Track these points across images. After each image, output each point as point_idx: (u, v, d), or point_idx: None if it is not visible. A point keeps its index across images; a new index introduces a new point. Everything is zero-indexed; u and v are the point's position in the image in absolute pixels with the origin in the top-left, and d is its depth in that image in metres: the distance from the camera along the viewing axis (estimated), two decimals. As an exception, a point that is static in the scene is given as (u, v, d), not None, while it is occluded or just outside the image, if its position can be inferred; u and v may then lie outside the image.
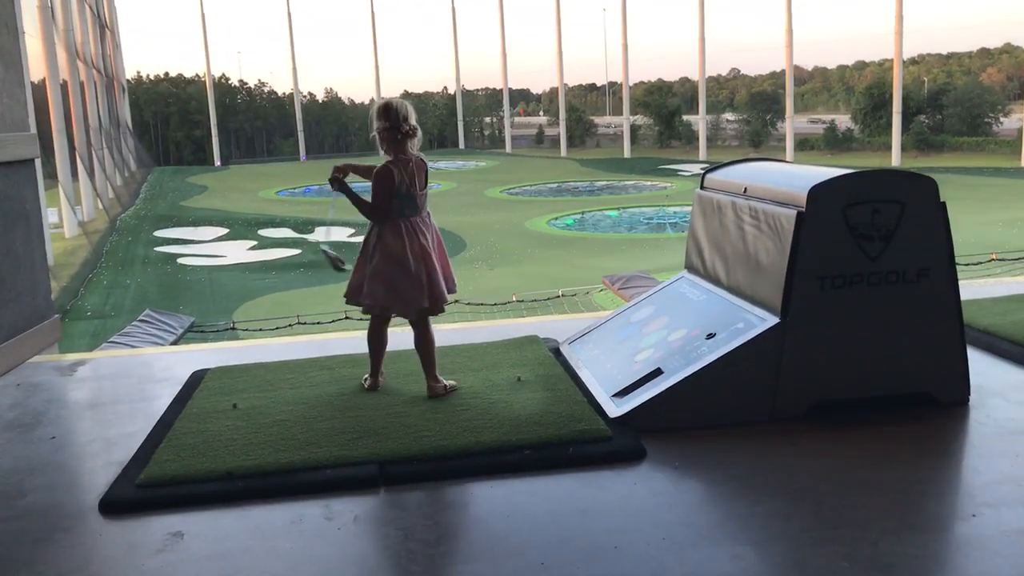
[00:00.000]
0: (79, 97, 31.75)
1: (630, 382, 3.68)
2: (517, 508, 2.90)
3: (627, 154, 57.37)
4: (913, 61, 69.37)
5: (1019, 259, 14.42)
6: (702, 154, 53.82)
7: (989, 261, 14.62)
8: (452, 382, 3.93)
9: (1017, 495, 2.79)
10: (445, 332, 5.32)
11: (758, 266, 3.71)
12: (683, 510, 2.82)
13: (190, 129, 73.51)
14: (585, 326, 4.64)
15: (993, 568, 2.39)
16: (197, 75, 74.00)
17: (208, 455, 3.28)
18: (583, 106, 79.72)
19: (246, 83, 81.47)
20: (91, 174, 31.11)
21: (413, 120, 3.86)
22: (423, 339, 3.90)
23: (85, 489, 3.20)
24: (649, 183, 42.02)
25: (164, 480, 3.11)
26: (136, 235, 29.09)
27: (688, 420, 3.46)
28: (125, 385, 4.55)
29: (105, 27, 48.56)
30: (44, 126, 24.98)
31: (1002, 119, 53.90)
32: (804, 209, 3.43)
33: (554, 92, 69.18)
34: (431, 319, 3.94)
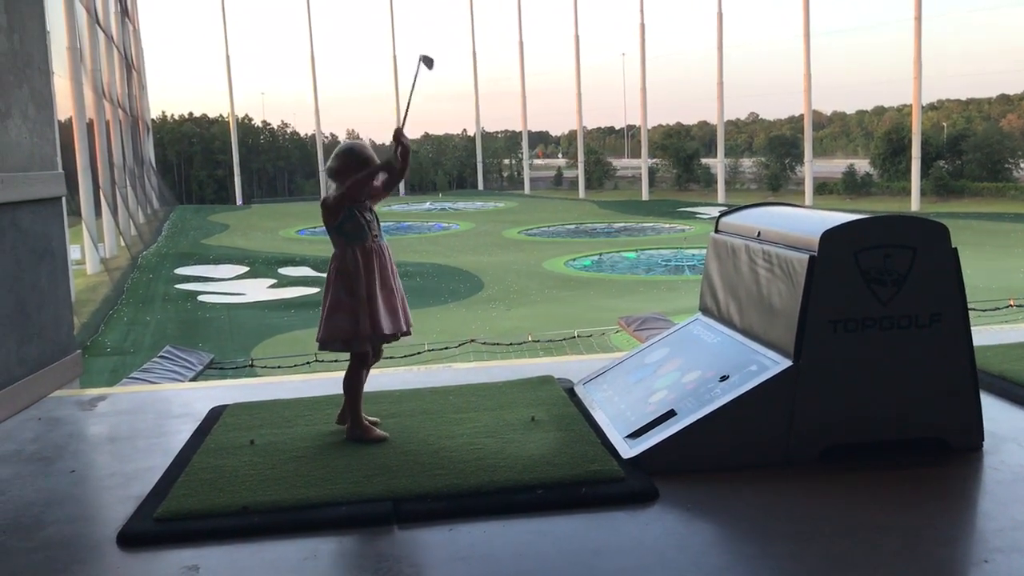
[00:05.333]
0: (104, 136, 32.26)
1: (644, 423, 3.70)
2: (529, 548, 2.92)
3: (645, 196, 57.54)
4: (932, 107, 69.52)
5: (1038, 305, 14.32)
6: (720, 197, 53.91)
7: (1007, 307, 14.53)
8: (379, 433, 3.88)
9: (1029, 541, 2.79)
10: (460, 371, 5.36)
11: (771, 309, 3.75)
12: (694, 552, 2.84)
13: (213, 168, 74.36)
14: (600, 367, 4.67)
15: (1004, 614, 2.39)
16: (221, 115, 75.13)
17: (225, 490, 3.33)
18: (601, 148, 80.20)
19: (269, 124, 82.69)
20: (114, 212, 31.50)
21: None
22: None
23: (103, 522, 3.25)
24: (667, 225, 42.09)
25: (181, 514, 3.16)
26: (157, 272, 29.35)
27: (701, 462, 3.47)
28: (144, 420, 4.61)
29: (132, 67, 49.44)
30: (70, 164, 25.37)
31: (1022, 165, 53.76)
32: (816, 253, 3.48)
33: (573, 134, 69.72)
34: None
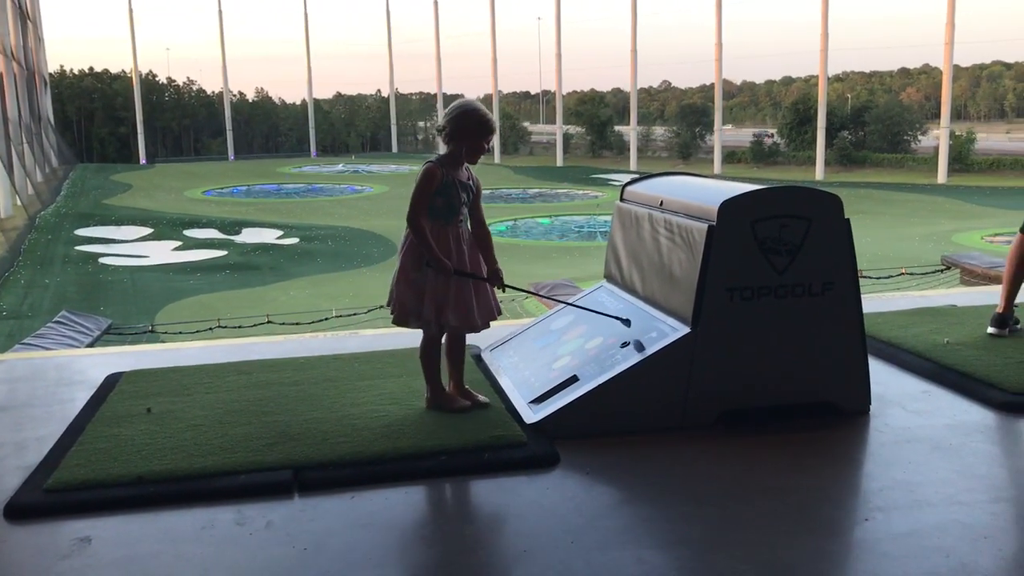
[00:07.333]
0: (-2, 90, 30.78)
1: (547, 389, 3.74)
2: (431, 513, 2.94)
3: (560, 162, 57.85)
4: (838, 78, 71.46)
5: (927, 274, 14.94)
6: (633, 164, 54.56)
7: (899, 275, 15.10)
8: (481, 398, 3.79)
9: (907, 500, 2.93)
10: (367, 338, 5.33)
11: (671, 277, 3.82)
12: (592, 514, 2.89)
13: (115, 126, 71.86)
14: (508, 333, 4.69)
15: (881, 569, 2.51)
16: (123, 71, 72.55)
17: (120, 459, 3.25)
18: (517, 113, 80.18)
19: (174, 80, 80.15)
20: (10, 170, 30.19)
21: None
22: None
23: (-10, 494, 3.14)
24: (581, 192, 42.47)
25: (73, 484, 3.07)
26: (56, 233, 28.32)
27: (601, 427, 3.54)
28: (37, 388, 4.46)
29: (26, 18, 47.18)
30: (-40, 119, 24.17)
31: (920, 137, 55.79)
32: (715, 223, 3.55)
33: (488, 98, 69.42)
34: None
